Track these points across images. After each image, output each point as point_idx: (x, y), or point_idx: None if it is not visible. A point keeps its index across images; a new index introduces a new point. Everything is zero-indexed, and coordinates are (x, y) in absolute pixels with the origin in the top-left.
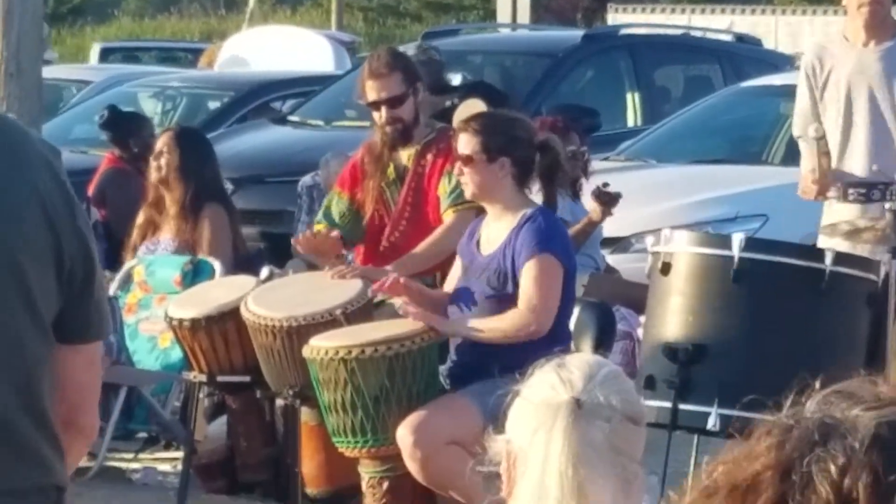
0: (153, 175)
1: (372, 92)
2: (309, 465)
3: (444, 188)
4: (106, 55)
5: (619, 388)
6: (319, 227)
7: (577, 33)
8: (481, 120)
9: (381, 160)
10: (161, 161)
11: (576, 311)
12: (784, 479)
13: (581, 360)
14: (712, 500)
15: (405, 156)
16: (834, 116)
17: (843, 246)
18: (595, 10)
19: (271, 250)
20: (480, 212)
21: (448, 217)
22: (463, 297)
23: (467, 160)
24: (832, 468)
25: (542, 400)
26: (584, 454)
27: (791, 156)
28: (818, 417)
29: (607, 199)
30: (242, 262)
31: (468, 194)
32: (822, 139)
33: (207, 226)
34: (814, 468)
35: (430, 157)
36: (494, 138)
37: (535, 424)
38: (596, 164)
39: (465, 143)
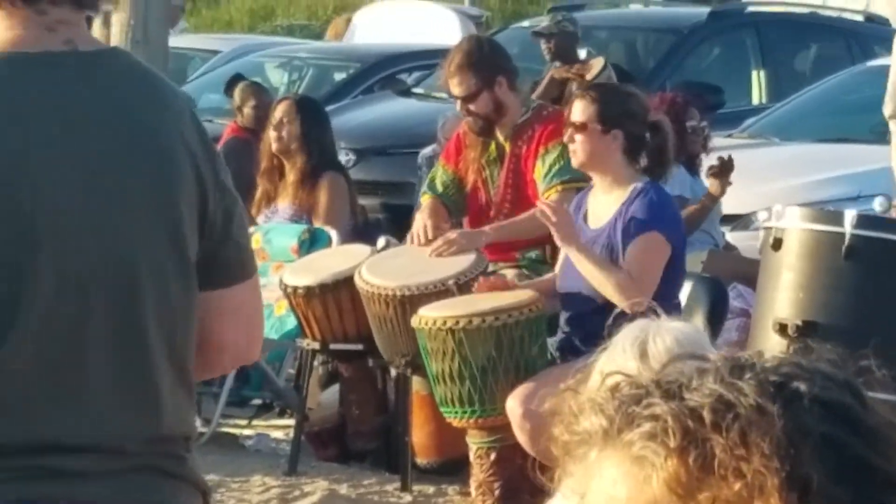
0: (273, 144)
1: (449, 86)
2: (419, 435)
3: (539, 171)
4: None
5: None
6: (425, 197)
7: (703, 10)
8: (599, 89)
9: (478, 138)
10: (282, 131)
11: (688, 285)
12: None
13: (665, 352)
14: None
15: (502, 136)
16: None
17: None
18: None
19: (392, 221)
20: (580, 191)
21: (550, 196)
22: (573, 270)
23: (581, 127)
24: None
25: None
26: None
27: None
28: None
29: (720, 170)
30: (360, 232)
31: (576, 163)
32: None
33: (326, 194)
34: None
35: (525, 138)
36: (610, 108)
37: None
38: (719, 140)
39: (581, 111)
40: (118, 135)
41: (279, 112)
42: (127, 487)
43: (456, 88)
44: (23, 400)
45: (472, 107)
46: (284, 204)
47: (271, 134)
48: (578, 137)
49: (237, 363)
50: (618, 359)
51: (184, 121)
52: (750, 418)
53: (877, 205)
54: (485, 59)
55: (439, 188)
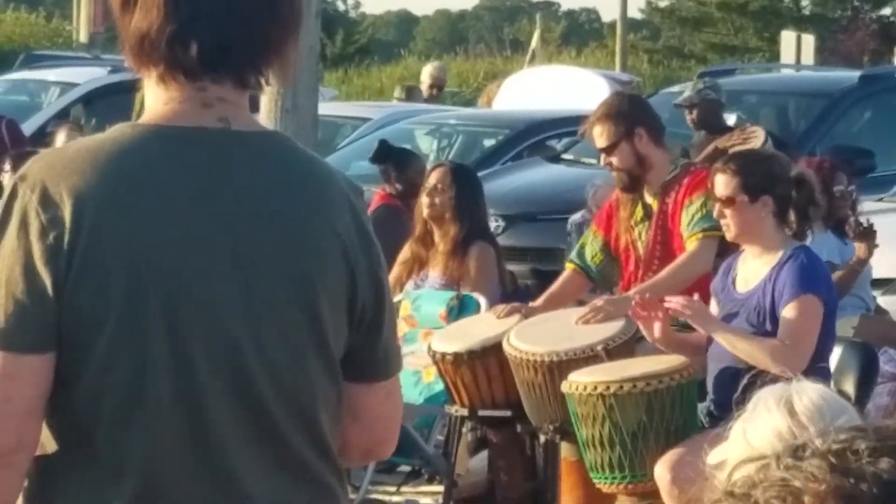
0: (426, 210)
1: (593, 138)
2: (568, 501)
3: (683, 222)
4: None
5: None
6: (570, 266)
7: (854, 74)
8: (739, 160)
9: (626, 198)
10: (435, 197)
11: (838, 350)
12: None
13: (813, 407)
14: None
15: (650, 194)
16: None
17: None
18: (883, 53)
19: (541, 287)
20: (723, 240)
21: (691, 244)
22: None
23: (728, 202)
24: None
25: (763, 450)
26: None
27: None
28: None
29: (863, 233)
30: (509, 298)
31: (730, 237)
32: None
33: (475, 262)
34: None
35: (672, 194)
36: (754, 178)
37: None
38: (870, 204)
39: (725, 185)
40: (258, 218)
41: (434, 178)
42: None
43: (597, 140)
44: (176, 481)
45: (614, 160)
46: (435, 273)
47: (424, 200)
48: (728, 212)
49: (363, 461)
50: (762, 418)
51: (337, 209)
52: (810, 491)
53: None
54: (623, 111)
55: (588, 258)
